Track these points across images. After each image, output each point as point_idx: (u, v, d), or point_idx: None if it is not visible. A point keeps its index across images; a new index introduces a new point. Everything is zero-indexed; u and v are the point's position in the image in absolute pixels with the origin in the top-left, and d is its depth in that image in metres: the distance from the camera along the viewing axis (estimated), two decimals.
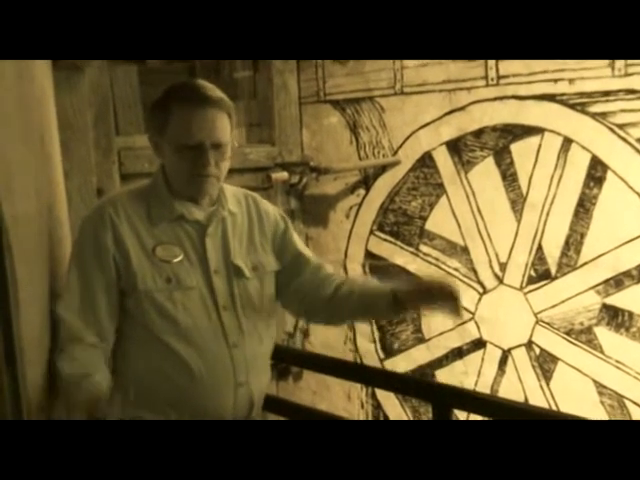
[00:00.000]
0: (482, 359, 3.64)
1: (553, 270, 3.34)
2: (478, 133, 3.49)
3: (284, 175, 3.94)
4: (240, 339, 1.91)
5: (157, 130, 1.86)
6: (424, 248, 3.77)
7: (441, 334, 3.78)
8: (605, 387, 3.23)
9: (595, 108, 3.11)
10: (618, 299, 3.16)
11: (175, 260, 1.85)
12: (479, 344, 3.65)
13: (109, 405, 1.74)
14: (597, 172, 3.15)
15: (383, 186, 3.88)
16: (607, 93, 3.07)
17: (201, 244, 1.90)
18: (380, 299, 1.99)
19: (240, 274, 1.94)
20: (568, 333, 3.32)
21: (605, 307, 3.20)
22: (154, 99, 1.90)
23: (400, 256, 3.85)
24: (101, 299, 1.81)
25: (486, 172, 3.50)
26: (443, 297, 1.96)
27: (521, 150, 3.37)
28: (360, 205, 3.99)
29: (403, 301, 1.96)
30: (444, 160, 3.62)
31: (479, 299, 3.61)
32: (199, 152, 1.82)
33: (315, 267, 2.12)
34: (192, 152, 1.82)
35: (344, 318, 2.21)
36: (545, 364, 3.42)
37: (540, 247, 3.36)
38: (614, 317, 3.19)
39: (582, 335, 3.28)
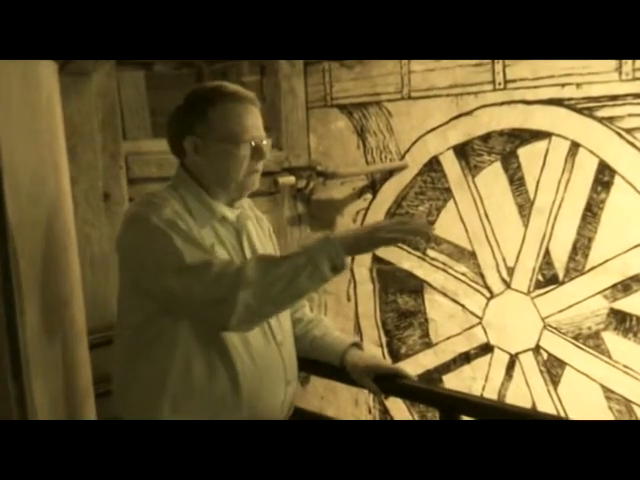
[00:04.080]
0: (489, 364, 3.63)
1: (561, 275, 3.33)
2: (485, 137, 3.49)
3: (291, 179, 3.94)
4: (283, 337, 1.95)
5: (201, 131, 1.87)
6: (431, 253, 3.76)
7: (448, 339, 3.77)
8: (613, 392, 3.22)
9: (603, 112, 3.10)
10: (626, 304, 3.14)
11: None
12: (486, 349, 3.64)
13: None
14: (605, 177, 3.14)
15: (390, 191, 3.87)
16: (615, 97, 3.06)
17: (239, 245, 1.93)
18: (328, 357, 2.09)
19: None
20: (576, 338, 3.30)
21: (613, 312, 3.18)
22: (185, 102, 1.91)
23: (407, 260, 3.85)
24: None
25: (493, 176, 3.49)
26: None
27: (528, 154, 3.36)
28: (367, 210, 3.98)
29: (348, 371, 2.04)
30: (451, 164, 3.62)
31: (486, 304, 3.60)
32: (254, 147, 1.86)
33: None
34: (247, 147, 1.86)
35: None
36: (553, 369, 3.41)
37: (548, 252, 3.35)
38: (622, 322, 3.17)
39: (590, 340, 3.27)
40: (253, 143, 1.86)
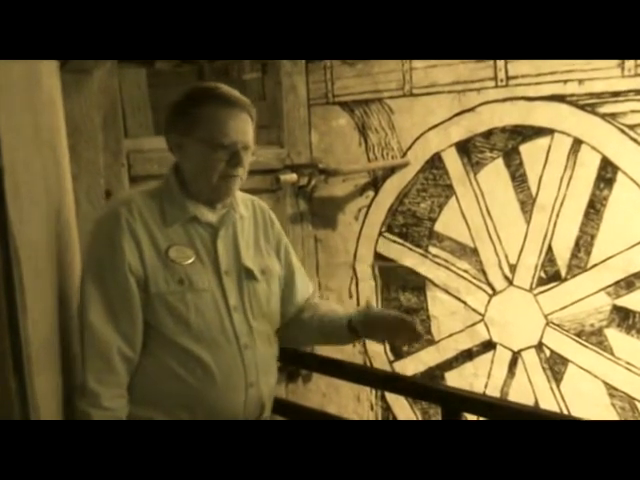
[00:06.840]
0: (492, 361, 3.63)
1: (563, 272, 3.32)
2: (487, 134, 3.48)
3: (293, 177, 3.94)
4: (250, 340, 1.94)
5: (183, 130, 1.87)
6: (433, 250, 3.76)
7: (450, 336, 3.77)
8: (616, 389, 3.22)
9: (605, 109, 3.10)
10: (629, 300, 3.14)
11: (187, 262, 1.87)
12: (489, 346, 3.63)
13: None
14: (607, 173, 3.13)
15: (392, 188, 3.87)
16: (617, 94, 3.06)
17: (213, 246, 1.92)
18: (336, 328, 2.09)
19: (250, 276, 1.97)
20: (578, 335, 3.30)
21: (616, 309, 3.18)
22: (176, 99, 1.91)
23: (409, 258, 3.85)
24: (123, 307, 1.81)
25: (495, 173, 3.49)
26: (400, 331, 2.03)
27: (531, 151, 3.36)
28: (369, 207, 3.98)
29: (358, 331, 2.06)
30: (453, 161, 3.61)
31: (489, 301, 3.59)
32: (232, 152, 1.85)
33: (302, 288, 2.19)
34: (225, 152, 1.85)
35: (301, 342, 2.28)
36: (555, 366, 3.40)
37: (550, 248, 3.35)
38: (625, 319, 3.17)
39: (592, 337, 3.27)
40: (232, 148, 1.85)
